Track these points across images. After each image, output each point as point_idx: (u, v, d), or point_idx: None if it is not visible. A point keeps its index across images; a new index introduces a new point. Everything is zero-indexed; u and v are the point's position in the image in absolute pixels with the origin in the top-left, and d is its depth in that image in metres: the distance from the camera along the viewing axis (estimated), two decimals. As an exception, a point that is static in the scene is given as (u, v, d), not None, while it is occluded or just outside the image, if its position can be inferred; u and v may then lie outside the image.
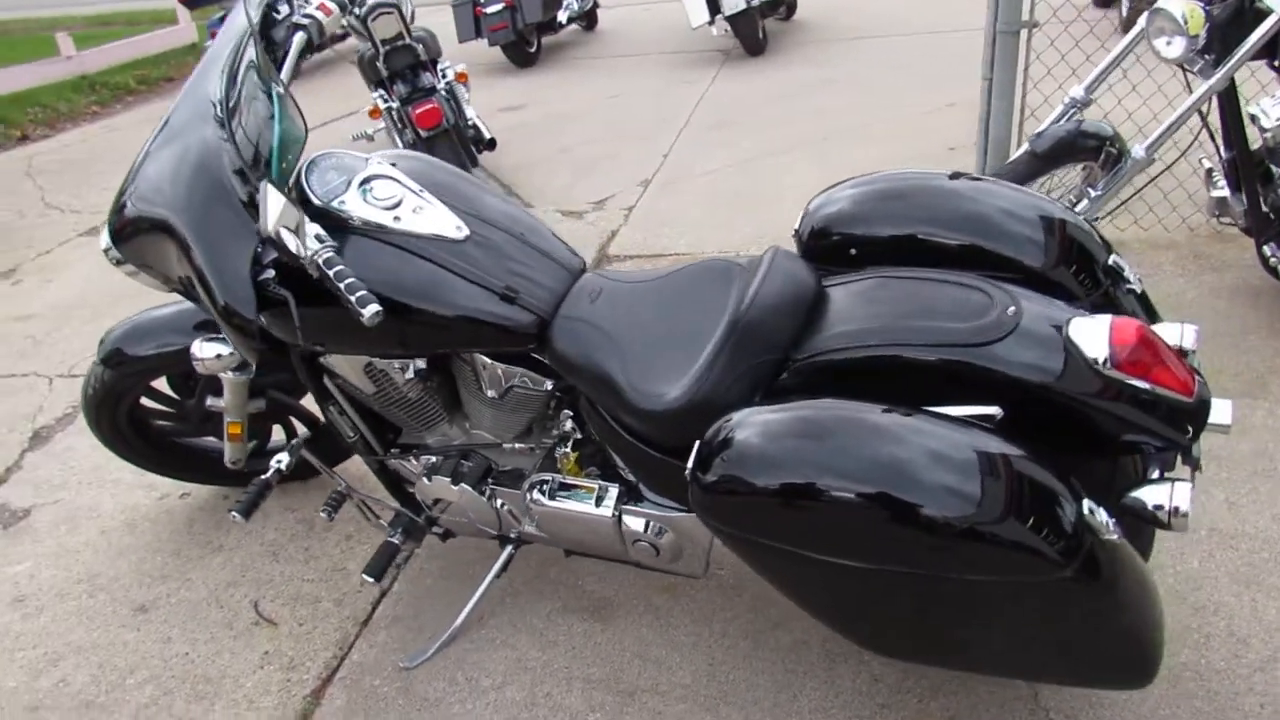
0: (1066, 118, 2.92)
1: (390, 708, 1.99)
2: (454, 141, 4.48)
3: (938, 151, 4.57)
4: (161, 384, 2.43)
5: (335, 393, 2.05)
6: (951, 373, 1.50)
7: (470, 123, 4.81)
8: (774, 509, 1.43)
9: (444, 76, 4.63)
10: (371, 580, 2.06)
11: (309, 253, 1.59)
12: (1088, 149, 2.84)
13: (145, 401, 2.44)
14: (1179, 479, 1.45)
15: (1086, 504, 1.37)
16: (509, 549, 2.12)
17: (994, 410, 1.49)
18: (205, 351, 2.06)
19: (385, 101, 4.50)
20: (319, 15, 1.96)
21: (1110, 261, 1.72)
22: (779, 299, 1.65)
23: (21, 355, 3.82)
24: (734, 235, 4.09)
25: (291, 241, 1.54)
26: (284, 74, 1.91)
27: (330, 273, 1.57)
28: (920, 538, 1.35)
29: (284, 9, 1.95)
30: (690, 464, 1.50)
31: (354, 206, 1.77)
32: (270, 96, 1.81)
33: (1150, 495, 1.44)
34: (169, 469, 2.60)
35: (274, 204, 1.54)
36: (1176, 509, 1.42)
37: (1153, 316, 1.78)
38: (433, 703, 1.99)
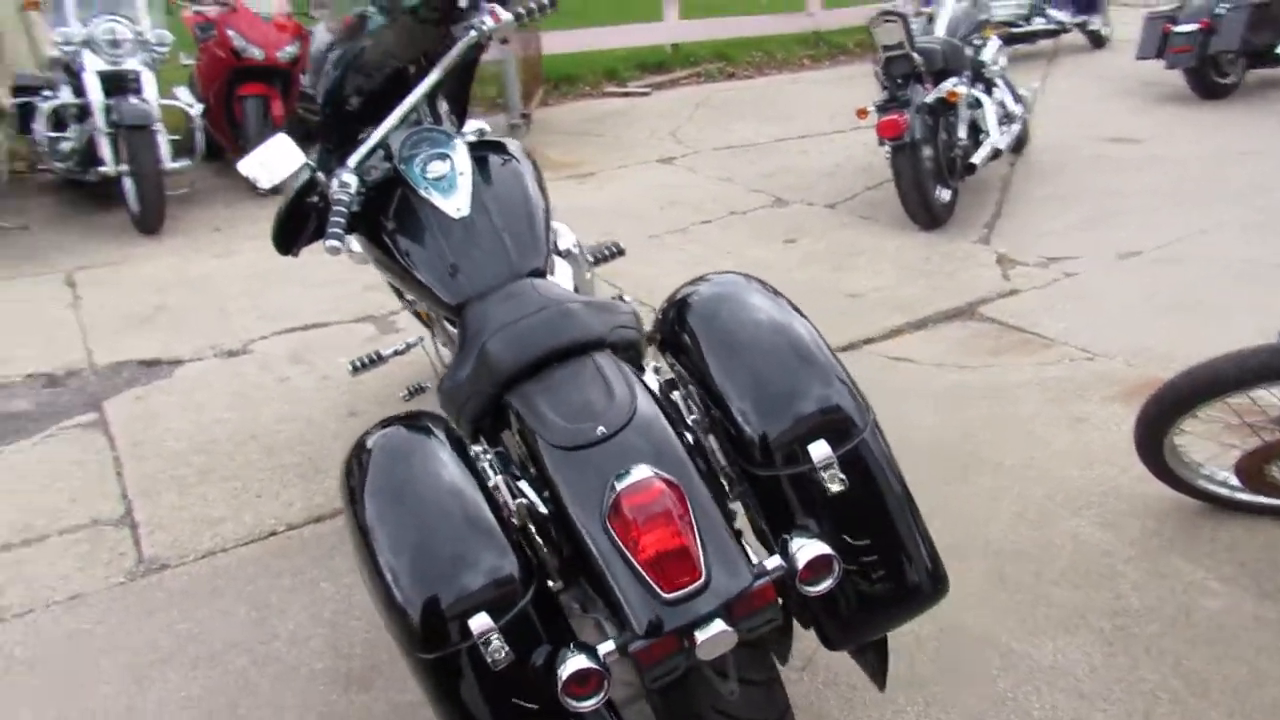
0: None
1: (288, 552, 2.62)
2: (914, 156, 4.44)
3: None
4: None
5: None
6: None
7: (960, 143, 4.67)
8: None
9: (938, 93, 4.54)
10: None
11: (331, 191, 2.20)
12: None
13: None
14: (576, 655, 1.32)
15: (483, 621, 1.37)
16: None
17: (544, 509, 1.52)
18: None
19: (873, 106, 4.62)
20: (489, 21, 2.43)
21: (815, 449, 1.48)
22: (515, 340, 1.78)
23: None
24: (1118, 342, 3.44)
25: (262, 177, 2.16)
26: (444, 64, 2.44)
27: (332, 209, 2.16)
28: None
29: (473, 15, 2.45)
30: None
31: (409, 171, 2.31)
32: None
33: (567, 657, 1.34)
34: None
35: (268, 152, 2.18)
36: (559, 677, 1.32)
37: (846, 521, 1.50)
38: (294, 571, 2.56)
